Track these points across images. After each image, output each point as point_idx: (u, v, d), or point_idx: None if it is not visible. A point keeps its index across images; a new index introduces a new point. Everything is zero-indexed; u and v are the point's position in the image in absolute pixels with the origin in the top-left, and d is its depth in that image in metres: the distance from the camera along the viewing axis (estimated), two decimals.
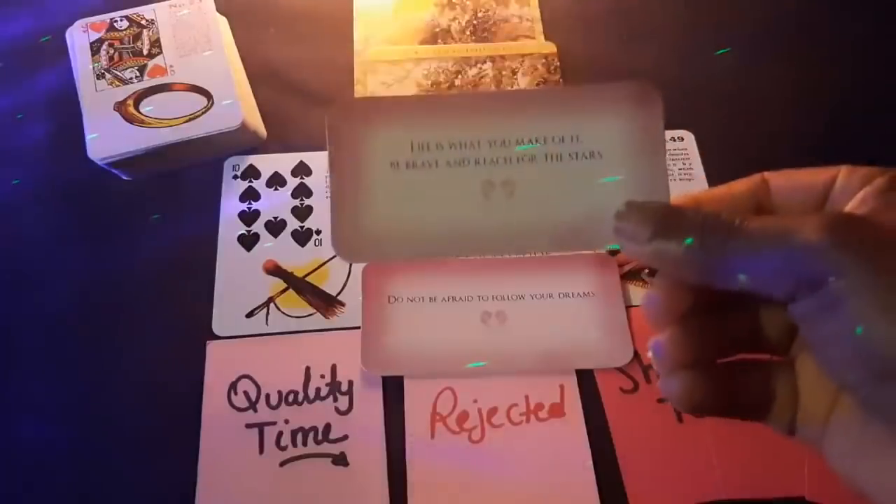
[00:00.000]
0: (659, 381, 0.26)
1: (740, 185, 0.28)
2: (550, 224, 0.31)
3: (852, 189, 0.25)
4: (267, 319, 0.42)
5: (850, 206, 0.24)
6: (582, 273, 0.43)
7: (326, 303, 0.43)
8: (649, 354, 0.26)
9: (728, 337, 0.26)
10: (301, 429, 0.39)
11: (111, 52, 0.48)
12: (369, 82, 0.50)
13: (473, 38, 0.53)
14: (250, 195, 0.46)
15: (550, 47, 0.52)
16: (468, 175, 0.31)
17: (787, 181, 0.27)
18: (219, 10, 0.50)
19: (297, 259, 0.44)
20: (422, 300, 0.42)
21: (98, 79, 0.46)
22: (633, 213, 0.27)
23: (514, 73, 0.50)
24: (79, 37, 0.48)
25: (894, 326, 0.20)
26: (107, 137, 0.44)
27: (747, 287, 0.23)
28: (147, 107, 0.45)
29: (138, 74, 0.47)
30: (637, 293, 0.43)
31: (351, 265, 0.44)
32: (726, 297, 0.25)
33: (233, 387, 0.40)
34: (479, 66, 0.51)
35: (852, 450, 0.23)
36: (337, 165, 0.31)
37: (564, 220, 0.31)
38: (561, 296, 0.41)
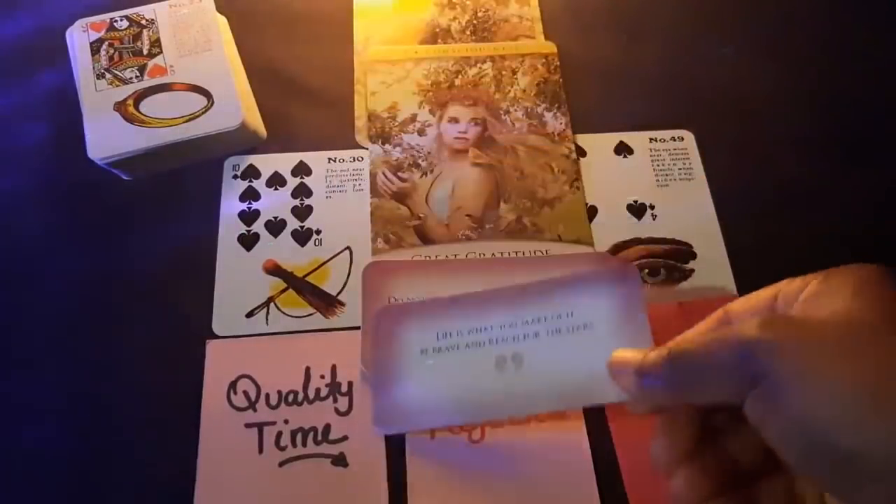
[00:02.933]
0: None
1: (708, 323, 0.32)
2: (556, 387, 0.36)
3: (792, 298, 0.27)
4: (267, 319, 0.42)
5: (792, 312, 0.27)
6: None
7: (326, 303, 0.43)
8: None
9: (741, 463, 0.28)
10: (301, 429, 0.39)
11: (111, 51, 0.48)
12: (369, 82, 0.50)
13: (473, 37, 0.53)
14: (250, 195, 0.46)
15: (550, 47, 0.52)
16: (484, 353, 0.38)
17: (742, 305, 0.31)
18: (219, 10, 0.50)
19: (297, 259, 0.44)
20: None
21: (98, 79, 0.46)
22: (616, 364, 0.32)
23: (514, 72, 0.50)
24: (79, 37, 0.48)
25: (829, 414, 0.22)
26: (107, 137, 0.44)
27: (709, 396, 0.26)
28: (147, 107, 0.45)
29: (138, 74, 0.47)
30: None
31: (351, 268, 0.44)
32: (726, 426, 0.28)
33: (232, 386, 0.40)
34: (479, 65, 0.51)
35: None
36: (378, 356, 0.39)
37: (568, 382, 0.36)
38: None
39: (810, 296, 0.26)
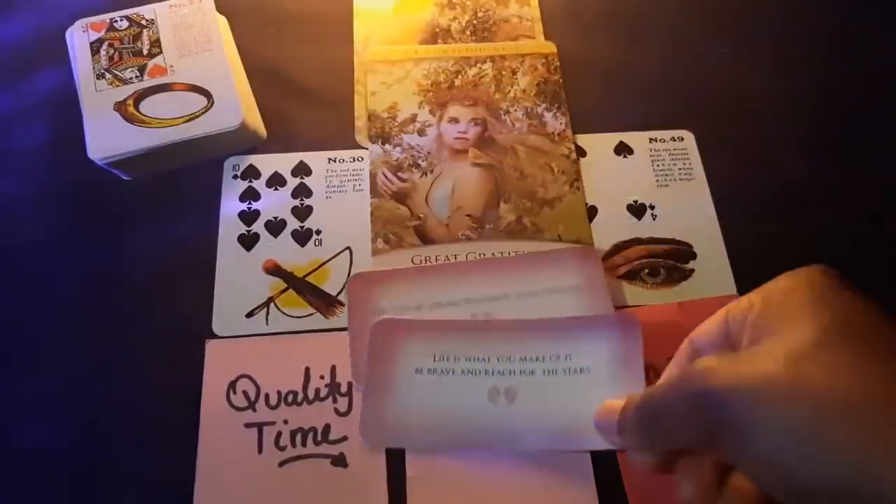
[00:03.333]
0: None
1: (678, 357, 0.33)
2: (545, 427, 0.37)
3: (739, 318, 0.28)
4: (267, 319, 0.42)
5: (744, 346, 0.27)
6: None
7: (326, 303, 0.43)
8: None
9: None
10: (300, 429, 0.39)
11: (111, 51, 0.48)
12: (369, 82, 0.50)
13: (473, 37, 0.53)
14: (250, 195, 0.46)
15: (550, 47, 0.52)
16: (478, 383, 0.38)
17: (702, 330, 0.31)
18: (219, 10, 0.50)
19: (297, 259, 0.44)
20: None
21: (98, 79, 0.46)
22: (603, 410, 0.33)
23: (513, 72, 0.50)
24: (79, 37, 0.48)
25: (785, 457, 0.22)
26: (107, 137, 0.44)
27: (679, 444, 0.27)
28: (147, 107, 0.45)
29: (138, 74, 0.47)
30: (635, 292, 0.43)
31: (350, 268, 0.44)
32: None
33: (232, 386, 0.40)
34: (478, 65, 0.51)
35: None
36: (373, 368, 0.39)
37: (558, 423, 0.37)
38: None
39: (756, 320, 0.27)
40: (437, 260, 0.44)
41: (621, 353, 0.38)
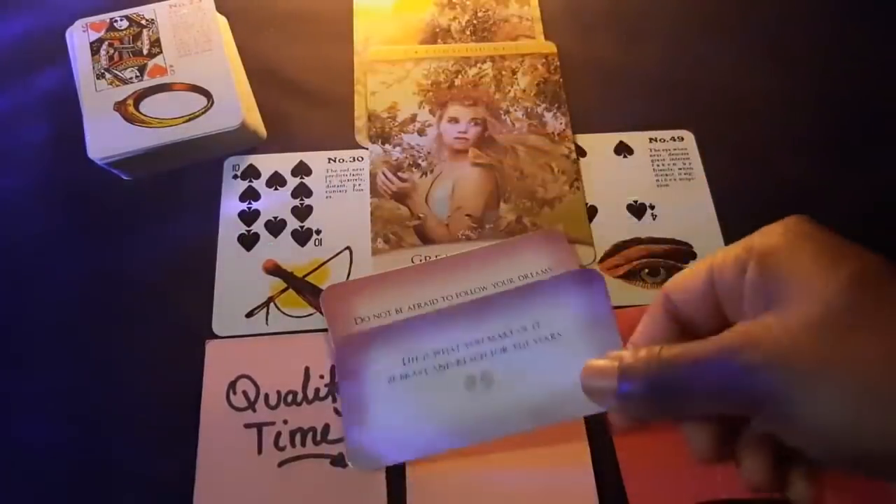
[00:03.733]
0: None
1: (654, 310, 0.32)
2: (529, 403, 0.36)
3: (727, 272, 0.28)
4: (267, 319, 0.42)
5: (745, 306, 0.27)
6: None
7: None
8: None
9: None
10: (300, 429, 0.39)
11: (111, 51, 0.48)
12: (369, 82, 0.50)
13: (473, 37, 0.53)
14: (250, 195, 0.46)
15: (550, 47, 0.52)
16: (452, 375, 0.37)
17: (681, 285, 0.31)
18: (219, 10, 0.50)
19: (297, 259, 0.44)
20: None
21: (98, 79, 0.46)
22: (592, 373, 0.31)
23: (514, 72, 0.50)
24: (79, 37, 0.48)
25: (840, 422, 0.22)
26: (107, 137, 0.44)
27: (696, 411, 0.27)
28: (147, 107, 0.45)
29: (138, 74, 0.47)
30: (635, 292, 0.43)
31: (350, 268, 0.44)
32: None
33: (232, 386, 0.40)
34: (479, 65, 0.51)
35: None
36: (346, 391, 0.38)
37: (541, 397, 0.36)
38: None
39: (759, 281, 0.26)
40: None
41: (589, 310, 0.37)
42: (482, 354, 0.37)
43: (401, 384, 0.38)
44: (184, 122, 0.45)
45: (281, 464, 0.38)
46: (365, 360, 0.38)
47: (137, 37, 0.48)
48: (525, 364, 0.37)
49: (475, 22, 0.53)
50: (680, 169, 0.47)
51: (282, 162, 0.48)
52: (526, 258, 0.42)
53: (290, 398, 0.40)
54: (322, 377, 0.40)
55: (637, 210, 0.46)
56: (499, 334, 0.38)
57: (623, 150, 0.48)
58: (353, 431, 0.37)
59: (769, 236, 0.27)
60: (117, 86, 0.46)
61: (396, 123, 0.48)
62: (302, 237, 0.45)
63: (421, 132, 0.48)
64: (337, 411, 0.39)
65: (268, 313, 0.42)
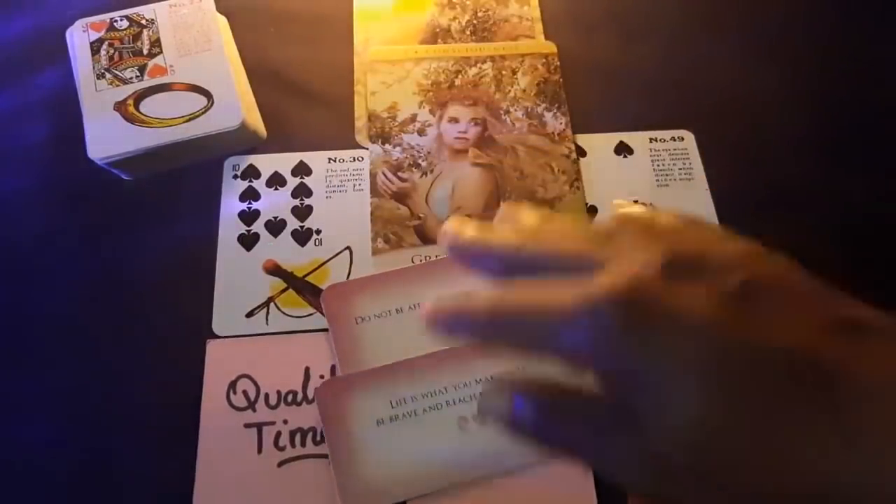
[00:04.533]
0: None
1: None
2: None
3: None
4: (267, 319, 0.42)
5: None
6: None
7: None
8: None
9: None
10: (300, 429, 0.39)
11: (111, 51, 0.48)
12: (369, 82, 0.50)
13: (473, 37, 0.53)
14: (250, 195, 0.46)
15: (550, 47, 0.52)
16: (443, 416, 0.37)
17: None
18: (219, 10, 0.50)
19: (297, 259, 0.44)
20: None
21: (98, 79, 0.46)
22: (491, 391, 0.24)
23: (514, 72, 0.50)
24: (79, 37, 0.48)
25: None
26: (107, 137, 0.44)
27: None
28: (147, 107, 0.45)
29: (138, 74, 0.47)
30: None
31: (350, 268, 0.44)
32: None
33: (232, 386, 0.40)
34: (479, 65, 0.51)
35: None
36: (332, 433, 0.37)
37: None
38: None
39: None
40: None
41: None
42: (472, 396, 0.38)
43: (390, 426, 0.38)
44: (184, 122, 0.45)
45: (281, 464, 0.38)
46: (349, 403, 0.38)
47: (137, 37, 0.48)
48: None
49: (475, 22, 0.53)
50: (680, 169, 0.47)
51: (282, 162, 0.48)
52: None
53: (290, 398, 0.40)
54: (322, 377, 0.40)
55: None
56: (487, 377, 0.38)
57: (623, 150, 0.48)
58: (343, 476, 0.37)
59: None
60: (117, 86, 0.46)
61: (396, 123, 0.48)
62: (302, 237, 0.45)
63: (421, 132, 0.48)
64: None
65: (268, 313, 0.42)
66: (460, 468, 0.37)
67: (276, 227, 0.45)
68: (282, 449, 0.39)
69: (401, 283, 0.42)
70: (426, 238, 0.44)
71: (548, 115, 0.49)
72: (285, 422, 0.39)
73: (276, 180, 0.47)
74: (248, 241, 0.45)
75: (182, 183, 0.47)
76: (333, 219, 0.46)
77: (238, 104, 0.45)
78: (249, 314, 0.42)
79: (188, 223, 0.45)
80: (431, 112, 0.49)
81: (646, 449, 0.19)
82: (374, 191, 0.46)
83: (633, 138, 0.49)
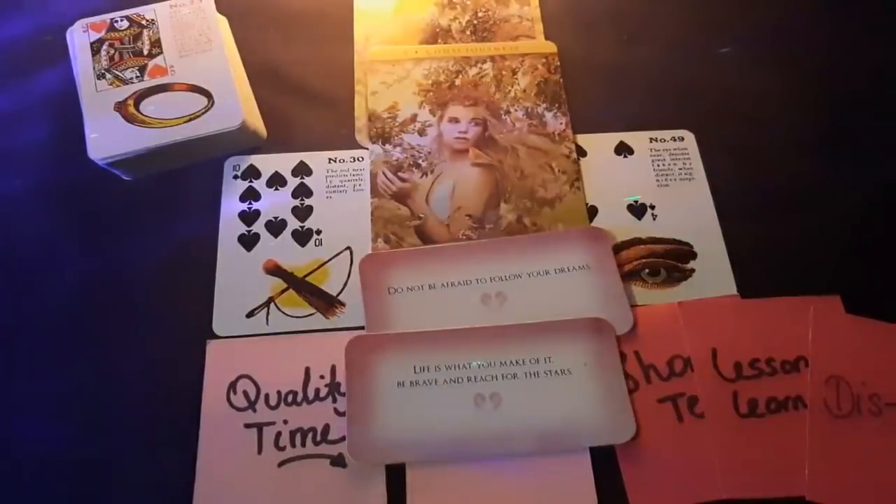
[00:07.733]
0: None
1: None
2: (533, 429, 0.38)
3: None
4: (267, 319, 0.42)
5: None
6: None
7: (326, 303, 0.43)
8: None
9: None
10: (300, 429, 0.39)
11: (111, 52, 0.48)
12: (369, 82, 0.50)
13: (473, 37, 0.53)
14: (250, 195, 0.46)
15: (550, 47, 0.52)
16: (462, 390, 0.39)
17: None
18: (219, 10, 0.50)
19: (297, 259, 0.44)
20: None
21: (98, 79, 0.46)
22: None
23: (514, 72, 0.50)
24: (79, 37, 0.48)
25: None
26: (107, 137, 0.44)
27: None
28: (147, 107, 0.45)
29: (138, 74, 0.47)
30: (635, 292, 0.43)
31: (351, 268, 0.44)
32: None
33: (232, 387, 0.40)
34: (479, 65, 0.51)
35: None
36: (353, 387, 0.39)
37: (545, 425, 0.38)
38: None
39: None
40: None
41: (598, 355, 0.39)
42: (493, 376, 0.39)
43: (410, 390, 0.39)
44: (184, 123, 0.45)
45: (281, 464, 0.38)
46: (375, 362, 0.39)
47: (138, 37, 0.48)
48: (535, 393, 0.38)
49: (475, 22, 0.53)
50: (680, 169, 0.47)
51: (282, 162, 0.48)
52: (565, 252, 0.43)
53: (290, 398, 0.40)
54: (322, 377, 0.40)
55: (637, 210, 0.46)
56: (511, 361, 0.39)
57: (623, 150, 0.48)
58: (356, 428, 0.38)
59: None
60: (118, 86, 0.46)
61: (397, 123, 0.48)
62: (302, 237, 0.45)
63: (421, 132, 0.48)
64: (337, 411, 0.39)
65: (268, 313, 0.42)
66: (467, 444, 0.37)
67: (276, 227, 0.45)
68: (282, 449, 0.39)
69: (437, 260, 0.43)
70: (426, 238, 0.44)
71: (548, 115, 0.49)
72: (285, 422, 0.39)
73: (277, 180, 0.47)
74: (248, 241, 0.45)
75: (182, 183, 0.47)
76: (334, 219, 0.46)
77: (238, 104, 0.45)
78: (250, 314, 0.42)
79: (188, 223, 0.45)
80: (432, 112, 0.49)
81: None
82: (375, 191, 0.46)
83: (634, 138, 0.49)
